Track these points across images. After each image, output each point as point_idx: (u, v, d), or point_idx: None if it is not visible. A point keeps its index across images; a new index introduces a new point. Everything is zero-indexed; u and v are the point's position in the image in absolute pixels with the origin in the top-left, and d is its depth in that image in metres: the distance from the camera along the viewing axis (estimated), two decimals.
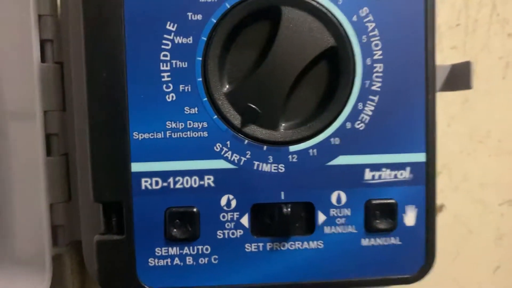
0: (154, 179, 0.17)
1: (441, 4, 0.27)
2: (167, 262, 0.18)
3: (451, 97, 0.27)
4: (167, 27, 0.17)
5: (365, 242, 0.18)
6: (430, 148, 0.18)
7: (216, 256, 0.18)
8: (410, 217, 0.18)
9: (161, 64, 0.17)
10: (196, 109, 0.17)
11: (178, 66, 0.17)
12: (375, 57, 0.18)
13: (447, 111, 0.27)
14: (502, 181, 0.28)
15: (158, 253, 0.18)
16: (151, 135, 0.17)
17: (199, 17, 0.17)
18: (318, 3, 0.17)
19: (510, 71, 0.28)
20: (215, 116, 0.17)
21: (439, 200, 0.28)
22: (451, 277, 0.28)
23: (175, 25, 0.17)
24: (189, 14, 0.17)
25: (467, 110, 0.28)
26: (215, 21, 0.17)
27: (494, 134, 0.28)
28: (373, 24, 0.17)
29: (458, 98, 0.27)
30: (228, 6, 0.17)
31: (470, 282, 0.29)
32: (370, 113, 0.18)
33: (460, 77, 0.20)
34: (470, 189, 0.28)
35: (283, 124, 0.18)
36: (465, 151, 0.28)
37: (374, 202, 0.18)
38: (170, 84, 0.17)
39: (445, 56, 0.27)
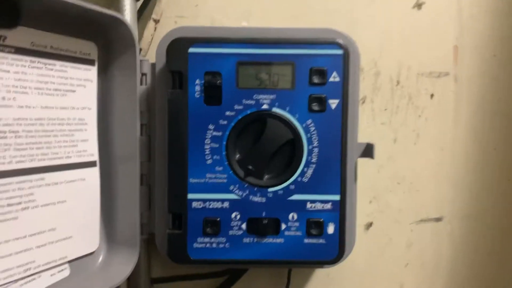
0: (198, 202, 0.34)
1: (375, 96, 0.43)
2: (203, 245, 0.34)
3: (380, 154, 0.42)
4: (209, 126, 0.34)
5: (306, 240, 0.34)
6: (342, 193, 0.34)
7: (228, 244, 0.34)
8: (330, 229, 0.34)
9: (205, 145, 0.34)
10: (221, 168, 0.34)
11: (213, 146, 0.34)
12: (314, 144, 0.34)
13: (377, 163, 0.43)
14: (412, 208, 0.44)
15: (198, 240, 0.34)
16: (199, 180, 0.34)
17: (225, 122, 0.34)
18: (285, 117, 0.34)
19: (419, 139, 0.43)
20: (231, 172, 0.34)
21: (369, 219, 0.44)
22: (378, 268, 0.44)
23: (213, 126, 0.34)
24: (220, 120, 0.34)
25: (390, 162, 0.43)
26: (233, 124, 0.34)
27: (407, 178, 0.43)
28: (314, 128, 0.34)
29: (384, 155, 0.43)
30: (240, 117, 0.34)
31: (389, 272, 0.44)
32: (310, 173, 0.34)
33: (369, 151, 0.36)
34: (391, 213, 0.44)
35: (266, 176, 0.34)
36: (388, 189, 0.43)
37: (311, 220, 0.34)
38: (209, 155, 0.34)
39: (377, 129, 0.43)
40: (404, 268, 0.44)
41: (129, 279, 0.41)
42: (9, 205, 0.29)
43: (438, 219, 0.44)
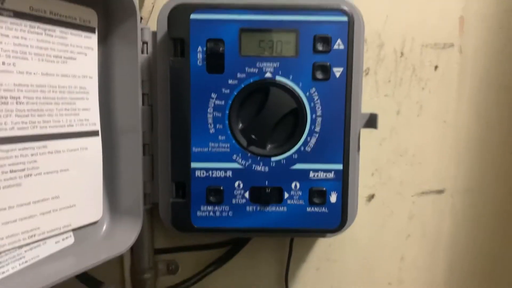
0: (202, 171, 0.34)
1: (379, 68, 0.42)
2: (206, 214, 0.34)
3: (383, 126, 0.42)
4: (212, 95, 0.33)
5: (308, 209, 0.34)
6: (345, 162, 0.34)
7: (231, 212, 0.34)
8: (333, 198, 0.34)
9: (208, 114, 0.33)
10: (224, 137, 0.34)
11: (216, 115, 0.33)
12: (318, 114, 0.34)
13: (380, 135, 0.43)
14: (414, 181, 0.44)
15: (202, 209, 0.34)
16: (202, 149, 0.34)
17: (228, 91, 0.33)
18: (288, 85, 0.33)
19: (423, 111, 0.43)
20: (233, 141, 0.34)
21: (371, 192, 0.44)
22: (379, 239, 0.44)
23: (216, 95, 0.33)
24: (223, 89, 0.33)
25: (393, 134, 0.43)
26: (236, 93, 0.33)
27: (410, 151, 0.43)
28: (317, 97, 0.33)
29: (387, 127, 0.43)
30: (243, 86, 0.33)
31: (391, 245, 0.44)
32: (314, 142, 0.34)
33: (372, 121, 0.36)
34: (393, 185, 0.44)
35: (269, 146, 0.34)
36: (390, 161, 0.43)
37: (314, 189, 0.34)
38: (211, 124, 0.34)
39: (380, 101, 0.43)
40: (405, 240, 0.44)
41: (133, 250, 0.41)
42: (12, 171, 0.29)
43: (440, 192, 0.44)
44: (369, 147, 0.42)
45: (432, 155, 0.43)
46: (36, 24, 0.30)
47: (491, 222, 0.44)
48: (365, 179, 0.43)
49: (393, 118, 0.43)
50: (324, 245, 0.44)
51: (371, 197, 0.44)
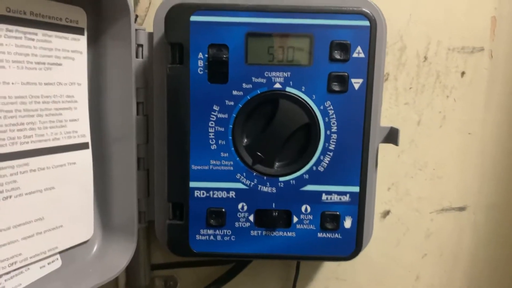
0: (201, 191, 0.31)
1: (399, 73, 0.38)
2: (206, 237, 0.31)
3: (402, 137, 0.38)
4: (214, 107, 0.30)
5: (320, 235, 0.31)
6: (362, 184, 0.30)
7: (234, 236, 0.31)
8: (347, 223, 0.31)
9: (209, 128, 0.30)
10: (227, 154, 0.30)
11: (218, 130, 0.30)
12: (332, 130, 0.30)
13: (398, 147, 0.39)
14: (433, 197, 0.40)
15: (201, 232, 0.31)
16: (202, 167, 0.30)
17: (232, 103, 0.30)
18: (300, 98, 0.30)
19: (446, 122, 0.39)
20: (237, 158, 0.30)
21: (387, 207, 0.40)
22: (393, 258, 0.41)
23: (218, 107, 0.30)
24: (226, 101, 0.30)
25: (412, 147, 0.39)
26: (240, 105, 0.30)
27: (430, 164, 0.40)
28: (332, 111, 0.30)
29: (406, 138, 0.39)
30: (249, 97, 0.30)
31: (405, 263, 0.41)
32: (327, 161, 0.30)
33: (393, 136, 0.32)
34: (410, 201, 0.40)
35: (277, 164, 0.31)
36: (408, 175, 0.40)
37: (326, 212, 0.31)
38: (213, 139, 0.30)
39: (400, 109, 0.39)
40: (421, 259, 0.41)
41: (128, 266, 0.38)
42: None
43: (461, 209, 0.40)
44: (386, 160, 0.39)
45: (454, 170, 0.40)
46: (14, 28, 0.26)
47: None
48: (380, 194, 0.39)
49: (413, 129, 0.39)
50: (333, 263, 0.41)
51: (386, 213, 0.40)
